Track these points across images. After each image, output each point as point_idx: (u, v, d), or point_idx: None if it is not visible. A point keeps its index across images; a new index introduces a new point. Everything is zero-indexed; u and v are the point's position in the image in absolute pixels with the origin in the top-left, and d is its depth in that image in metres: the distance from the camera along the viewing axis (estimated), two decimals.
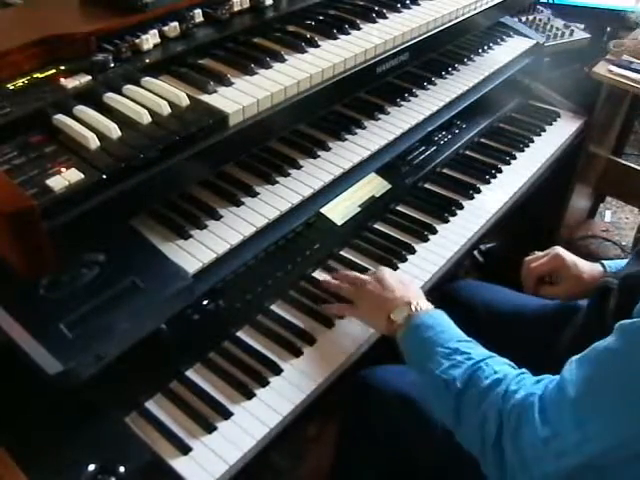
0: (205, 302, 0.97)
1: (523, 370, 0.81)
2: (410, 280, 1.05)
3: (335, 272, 1.12)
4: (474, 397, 0.78)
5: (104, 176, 0.78)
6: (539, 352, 1.06)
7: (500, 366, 0.81)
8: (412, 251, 1.19)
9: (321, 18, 1.23)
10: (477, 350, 0.85)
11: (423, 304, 0.94)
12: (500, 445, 0.74)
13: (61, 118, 0.86)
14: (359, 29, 1.19)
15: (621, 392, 0.68)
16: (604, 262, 1.11)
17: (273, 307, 1.07)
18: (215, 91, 0.96)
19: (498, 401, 0.76)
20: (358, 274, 1.06)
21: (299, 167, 1.14)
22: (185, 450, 0.85)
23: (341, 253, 1.18)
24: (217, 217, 1.00)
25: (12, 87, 0.88)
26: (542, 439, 0.71)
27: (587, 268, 1.13)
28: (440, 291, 1.21)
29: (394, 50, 1.18)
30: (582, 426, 0.69)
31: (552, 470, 0.71)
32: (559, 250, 1.16)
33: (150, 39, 1.00)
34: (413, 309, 0.92)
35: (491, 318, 1.24)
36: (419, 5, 1.32)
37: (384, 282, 1.00)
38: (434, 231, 1.25)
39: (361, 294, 1.01)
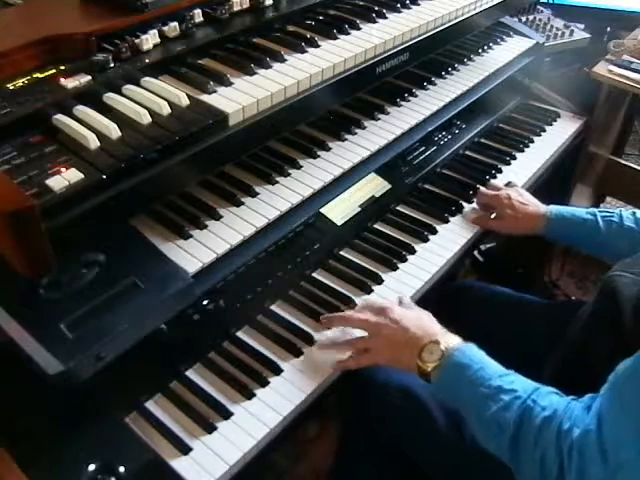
0: (205, 302, 0.97)
1: (570, 399, 0.80)
2: (423, 312, 0.99)
3: (334, 315, 1.03)
4: (529, 438, 0.77)
5: (104, 176, 0.78)
6: (541, 350, 1.06)
7: (546, 400, 0.79)
8: (412, 251, 1.19)
9: (321, 18, 1.23)
10: (520, 384, 0.82)
11: (450, 340, 0.89)
12: None
13: (61, 118, 0.86)
14: (359, 29, 1.19)
15: None
16: (549, 208, 1.23)
17: (273, 307, 1.06)
18: (215, 91, 0.96)
19: (553, 441, 0.75)
20: (367, 317, 0.97)
21: (299, 167, 1.14)
22: (185, 450, 0.85)
23: (341, 253, 1.18)
24: (217, 217, 1.00)
25: (12, 87, 0.88)
26: (610, 474, 0.70)
27: (529, 210, 1.24)
28: (440, 291, 1.21)
29: (394, 50, 1.18)
30: None
31: None
32: (504, 191, 1.28)
33: (150, 39, 1.00)
34: (444, 348, 0.87)
35: (490, 318, 1.24)
36: (419, 5, 1.32)
37: (401, 322, 0.93)
38: (434, 231, 1.25)
39: (380, 341, 0.94)
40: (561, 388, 0.82)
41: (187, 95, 0.92)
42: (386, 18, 1.25)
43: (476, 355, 0.87)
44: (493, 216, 1.30)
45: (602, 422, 0.72)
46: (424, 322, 0.95)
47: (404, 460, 1.04)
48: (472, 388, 0.83)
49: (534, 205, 1.26)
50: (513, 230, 1.28)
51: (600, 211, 1.19)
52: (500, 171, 1.46)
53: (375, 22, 1.22)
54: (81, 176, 0.77)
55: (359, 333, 0.99)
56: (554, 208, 1.23)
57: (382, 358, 0.95)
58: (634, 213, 1.16)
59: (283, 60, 1.06)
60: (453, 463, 0.98)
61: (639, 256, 0.94)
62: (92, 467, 0.79)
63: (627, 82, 1.63)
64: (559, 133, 1.64)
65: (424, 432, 1.00)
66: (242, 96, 0.96)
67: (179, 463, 0.83)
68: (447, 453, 0.98)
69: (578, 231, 1.19)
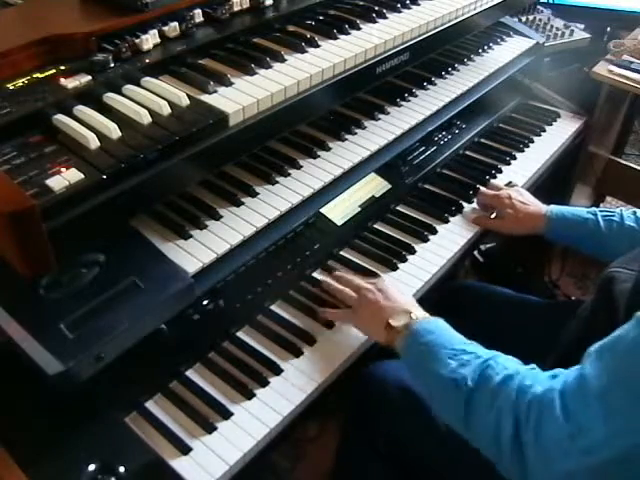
0: (205, 302, 0.97)
1: (532, 365, 0.80)
2: (407, 294, 1.05)
3: (336, 272, 1.11)
4: (486, 394, 0.77)
5: (104, 176, 0.78)
6: (540, 350, 1.06)
7: (509, 363, 0.81)
8: (412, 251, 1.19)
9: (321, 18, 1.23)
10: (482, 350, 0.85)
11: (420, 312, 0.95)
12: (519, 442, 0.73)
13: (61, 118, 0.86)
14: (359, 29, 1.19)
15: None
16: (550, 207, 1.24)
17: (273, 307, 1.07)
18: (215, 91, 0.96)
19: (512, 397, 0.75)
20: (360, 281, 1.05)
21: (299, 167, 1.14)
22: (185, 450, 0.85)
23: (341, 253, 1.18)
24: (217, 217, 1.00)
25: (12, 87, 0.88)
26: (567, 435, 0.69)
27: (530, 210, 1.25)
28: (440, 291, 1.21)
29: (394, 50, 1.18)
30: (610, 420, 0.67)
31: (576, 466, 0.69)
32: (504, 191, 1.29)
33: (150, 39, 1.00)
34: (413, 317, 0.93)
35: (490, 318, 1.24)
36: (419, 5, 1.32)
37: (386, 292, 1.00)
38: (434, 231, 1.25)
39: (362, 301, 1.01)
40: None
41: (187, 95, 0.92)
42: (386, 18, 1.25)
43: (442, 325, 0.91)
44: (493, 216, 1.30)
45: (568, 385, 0.72)
46: (405, 298, 1.00)
47: (404, 457, 1.04)
48: (434, 349, 0.86)
49: (535, 205, 1.26)
50: (514, 230, 1.28)
51: (601, 210, 1.19)
52: (500, 171, 1.47)
53: (375, 22, 1.22)
54: (81, 176, 0.77)
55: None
56: (555, 208, 1.23)
57: (359, 318, 1.01)
58: (635, 212, 1.16)
59: (283, 60, 1.06)
60: (451, 459, 0.98)
61: (637, 252, 0.94)
62: (92, 467, 0.79)
63: (627, 82, 1.63)
64: (559, 133, 1.64)
65: (422, 429, 1.01)
66: (242, 96, 0.95)
67: (179, 463, 0.83)
68: (445, 450, 0.98)
69: (579, 230, 1.19)
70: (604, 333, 0.81)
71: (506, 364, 0.80)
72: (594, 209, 1.20)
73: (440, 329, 0.90)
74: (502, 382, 0.77)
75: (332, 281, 1.08)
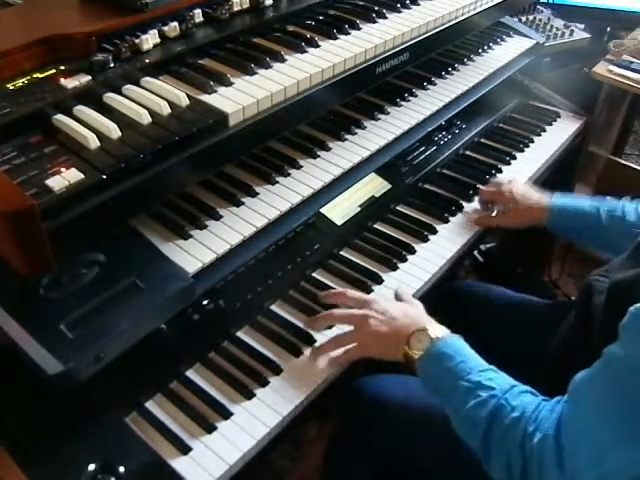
0: (205, 302, 0.97)
1: (540, 400, 0.80)
2: (413, 302, 1.00)
3: (322, 314, 1.02)
4: (498, 437, 0.79)
5: (104, 176, 0.78)
6: (540, 350, 1.07)
7: (518, 401, 0.80)
8: (412, 251, 1.19)
9: (321, 18, 1.23)
10: (498, 381, 0.83)
11: (437, 329, 0.90)
12: None
13: (61, 118, 0.86)
14: (359, 29, 1.19)
15: (628, 415, 0.68)
16: (552, 200, 1.24)
17: (273, 307, 1.06)
18: (215, 91, 0.96)
19: (518, 442, 0.76)
20: (353, 311, 0.98)
21: (299, 167, 1.14)
22: (185, 450, 0.85)
23: (341, 253, 1.18)
24: (217, 217, 1.00)
25: (12, 87, 0.88)
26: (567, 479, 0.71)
27: (531, 202, 1.24)
28: (440, 291, 1.21)
29: (394, 50, 1.18)
30: (599, 462, 0.69)
31: None
32: (505, 186, 1.29)
33: (150, 39, 1.00)
34: (433, 336, 0.88)
35: (490, 318, 1.24)
36: (419, 5, 1.32)
37: (387, 313, 0.94)
38: (434, 231, 1.25)
39: (367, 334, 0.94)
40: (553, 388, 0.82)
41: (187, 95, 0.92)
42: (386, 18, 1.25)
43: (460, 347, 0.88)
44: (494, 213, 1.30)
45: (561, 428, 0.73)
46: (411, 311, 0.96)
47: (402, 469, 1.04)
48: (453, 380, 0.84)
49: (537, 197, 1.26)
50: (516, 223, 1.28)
51: (603, 204, 1.18)
52: (500, 171, 1.47)
53: (375, 22, 1.22)
54: (81, 176, 0.77)
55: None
56: (558, 201, 1.24)
57: (371, 350, 0.96)
58: (636, 208, 1.15)
59: (283, 60, 1.06)
60: (450, 471, 0.98)
61: (619, 260, 0.93)
62: (92, 467, 0.79)
63: (627, 82, 1.63)
64: (559, 133, 1.64)
65: (427, 440, 1.00)
66: (242, 96, 0.95)
67: (179, 463, 0.83)
68: (446, 464, 0.98)
69: (580, 223, 1.20)
70: (587, 340, 0.81)
71: (515, 403, 0.79)
72: (597, 203, 1.19)
73: (459, 354, 0.86)
74: (509, 426, 0.78)
75: (323, 322, 1.01)
